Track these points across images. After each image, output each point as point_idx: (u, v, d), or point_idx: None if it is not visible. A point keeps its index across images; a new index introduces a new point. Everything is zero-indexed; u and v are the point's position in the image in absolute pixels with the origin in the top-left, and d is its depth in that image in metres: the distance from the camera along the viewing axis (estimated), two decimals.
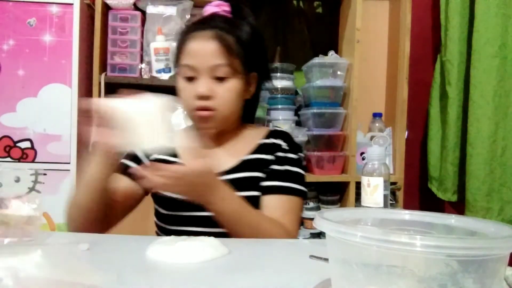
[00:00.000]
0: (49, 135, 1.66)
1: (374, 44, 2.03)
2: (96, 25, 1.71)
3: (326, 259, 0.64)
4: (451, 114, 1.90)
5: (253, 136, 1.03)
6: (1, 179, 1.61)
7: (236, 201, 0.86)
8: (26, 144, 1.65)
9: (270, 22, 2.10)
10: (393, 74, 1.98)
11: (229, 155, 0.99)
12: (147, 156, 1.00)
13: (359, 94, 1.84)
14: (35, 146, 1.65)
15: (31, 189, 1.64)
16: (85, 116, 0.78)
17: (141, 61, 1.78)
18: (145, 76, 1.76)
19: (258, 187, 0.95)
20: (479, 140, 1.81)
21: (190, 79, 0.94)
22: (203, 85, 0.92)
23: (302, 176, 1.00)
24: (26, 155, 1.65)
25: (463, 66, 1.89)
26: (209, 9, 1.01)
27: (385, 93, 2.06)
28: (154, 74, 1.75)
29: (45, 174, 1.65)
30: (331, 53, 1.93)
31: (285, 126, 1.82)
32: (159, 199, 0.99)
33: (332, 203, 1.94)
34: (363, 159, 1.87)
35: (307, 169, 1.87)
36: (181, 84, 0.96)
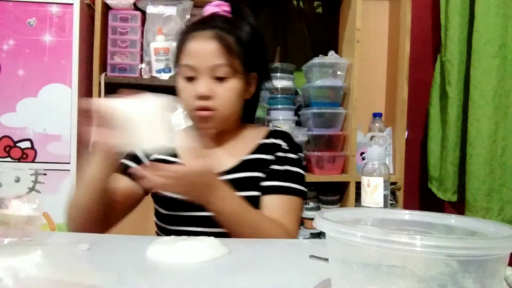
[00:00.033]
0: (49, 135, 1.66)
1: (374, 44, 2.03)
2: (96, 25, 1.71)
3: (326, 259, 0.64)
4: (451, 114, 1.90)
5: (253, 136, 1.03)
6: (1, 179, 1.61)
7: (236, 201, 0.86)
8: (26, 144, 1.65)
9: (270, 22, 2.10)
10: (393, 74, 1.98)
11: (229, 155, 0.99)
12: (147, 156, 1.00)
13: (359, 94, 1.84)
14: (35, 146, 1.65)
15: (31, 189, 1.64)
16: (85, 116, 0.78)
17: (141, 61, 1.78)
18: (145, 76, 1.76)
19: (258, 187, 0.95)
20: (479, 140, 1.81)
21: (190, 79, 0.94)
22: (203, 85, 0.92)
23: (302, 176, 1.00)
24: (26, 155, 1.65)
25: (463, 66, 1.89)
26: (209, 9, 1.01)
27: (385, 93, 2.06)
28: (154, 74, 1.75)
29: (45, 174, 1.65)
30: (331, 53, 1.93)
31: (285, 126, 1.82)
32: (159, 199, 0.99)
33: (332, 203, 1.94)
34: (363, 159, 1.87)
35: (307, 169, 1.87)
36: (181, 84, 0.95)
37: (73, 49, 1.66)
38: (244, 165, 0.97)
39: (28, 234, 0.67)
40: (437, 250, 0.38)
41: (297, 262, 0.69)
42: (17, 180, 1.64)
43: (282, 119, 1.89)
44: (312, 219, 1.85)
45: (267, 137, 1.02)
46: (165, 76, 1.74)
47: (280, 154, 0.99)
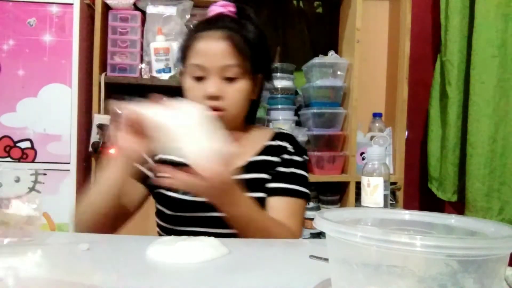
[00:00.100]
0: (49, 135, 1.66)
1: (374, 44, 2.03)
2: (96, 25, 1.71)
3: (326, 259, 0.64)
4: (451, 114, 1.90)
5: (258, 138, 1.03)
6: (1, 179, 1.61)
7: (249, 205, 0.86)
8: (26, 144, 1.65)
9: (270, 22, 2.10)
10: (393, 74, 1.98)
11: (236, 156, 0.99)
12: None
13: (359, 94, 1.85)
14: (35, 146, 1.65)
15: (31, 189, 1.64)
16: (115, 120, 0.77)
17: (141, 61, 1.78)
18: (145, 76, 1.76)
19: (263, 188, 0.96)
20: (479, 140, 1.81)
21: (199, 78, 0.93)
22: (213, 85, 0.91)
23: (306, 179, 1.01)
24: (26, 155, 1.65)
25: (463, 66, 1.89)
26: (214, 9, 1.00)
27: (385, 93, 2.06)
28: (154, 74, 1.75)
29: (45, 174, 1.65)
30: (331, 53, 1.93)
31: (285, 126, 1.82)
32: (163, 200, 0.98)
33: (332, 203, 1.94)
34: (363, 159, 1.87)
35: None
36: (189, 84, 0.95)
37: (73, 49, 1.66)
38: (250, 167, 0.97)
39: (28, 234, 0.67)
40: (437, 250, 0.38)
41: (297, 262, 0.69)
42: (17, 180, 1.64)
43: (282, 119, 1.89)
44: (312, 219, 1.84)
45: (273, 139, 1.03)
46: (165, 76, 1.74)
47: (286, 156, 1.00)
